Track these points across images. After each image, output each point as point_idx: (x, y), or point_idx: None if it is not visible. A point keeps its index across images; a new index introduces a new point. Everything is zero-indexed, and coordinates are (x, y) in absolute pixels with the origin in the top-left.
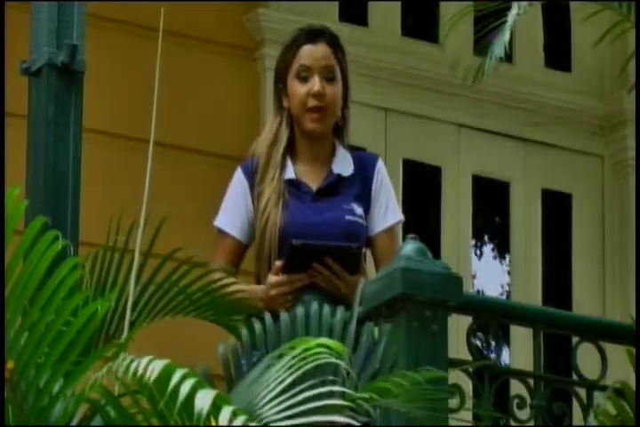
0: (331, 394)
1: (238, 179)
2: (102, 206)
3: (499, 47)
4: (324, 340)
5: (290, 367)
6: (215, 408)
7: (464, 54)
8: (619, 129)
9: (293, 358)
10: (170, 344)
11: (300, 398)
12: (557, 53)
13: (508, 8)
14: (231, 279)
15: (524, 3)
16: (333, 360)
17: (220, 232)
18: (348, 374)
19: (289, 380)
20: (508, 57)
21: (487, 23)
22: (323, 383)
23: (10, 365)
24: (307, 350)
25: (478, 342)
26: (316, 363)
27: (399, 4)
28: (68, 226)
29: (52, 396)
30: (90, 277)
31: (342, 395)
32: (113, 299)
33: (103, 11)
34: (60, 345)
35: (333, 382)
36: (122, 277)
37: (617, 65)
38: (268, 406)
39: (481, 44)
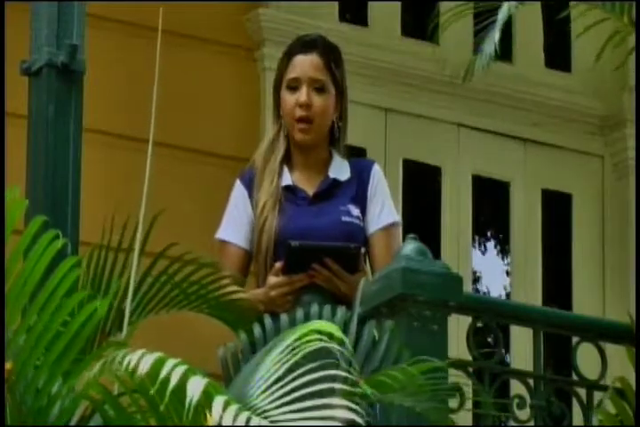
0: (330, 378)
1: (238, 190)
2: (102, 206)
3: (489, 46)
4: (317, 325)
5: (284, 356)
6: (207, 398)
7: (464, 54)
8: (619, 129)
9: (287, 346)
10: (171, 345)
11: (295, 383)
12: (557, 53)
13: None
14: (234, 287)
15: (513, 2)
16: (328, 345)
17: (225, 243)
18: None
19: (284, 368)
20: (508, 57)
21: (485, 23)
22: (319, 368)
23: (8, 365)
24: (300, 338)
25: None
26: (310, 349)
27: (399, 4)
28: (68, 226)
29: (50, 396)
30: (87, 276)
31: (344, 380)
32: (111, 299)
33: (103, 11)
34: (58, 345)
35: (333, 365)
36: (120, 276)
37: (617, 65)
38: (262, 396)
39: (474, 43)
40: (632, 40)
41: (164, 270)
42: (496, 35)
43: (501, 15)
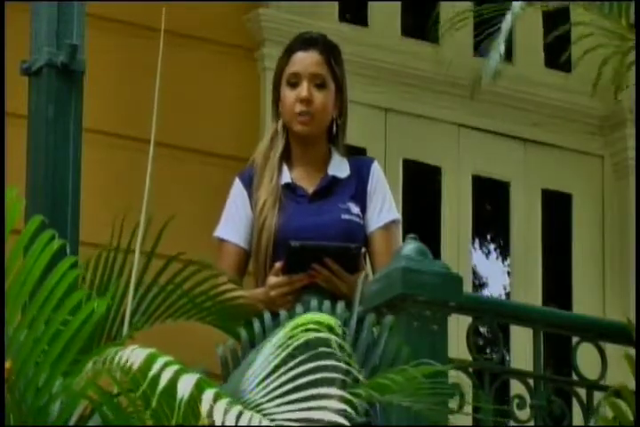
0: (325, 368)
1: (237, 188)
2: (102, 206)
3: (493, 60)
4: (310, 315)
5: (278, 348)
6: (200, 394)
7: (464, 55)
8: (619, 129)
9: (281, 338)
10: (171, 344)
11: (289, 375)
12: (557, 53)
13: (508, 8)
14: (232, 286)
15: (516, 9)
16: (324, 335)
17: (223, 242)
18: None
19: (277, 360)
20: (508, 57)
21: (487, 25)
22: (313, 358)
23: (8, 364)
24: (294, 328)
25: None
26: (303, 340)
27: (399, 4)
28: (68, 226)
29: (50, 395)
30: (91, 279)
31: (337, 368)
32: (112, 298)
33: (103, 11)
34: (58, 344)
35: (327, 354)
36: (123, 277)
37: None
38: (256, 389)
39: (479, 51)
40: (631, 51)
41: (171, 279)
42: (501, 46)
43: (505, 25)
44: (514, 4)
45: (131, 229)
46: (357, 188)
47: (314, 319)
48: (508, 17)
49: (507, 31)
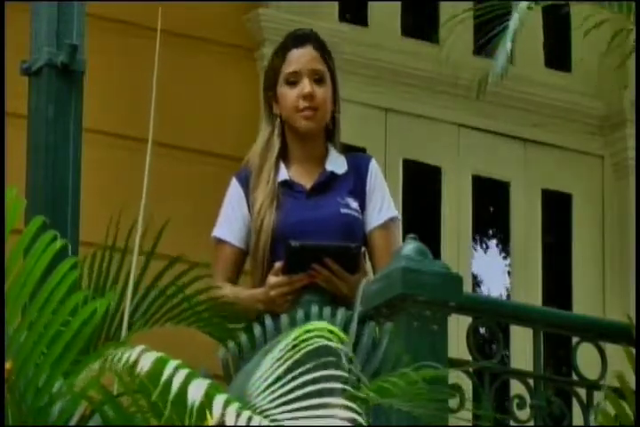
0: (330, 378)
1: (234, 188)
2: (102, 206)
3: (500, 63)
4: (314, 324)
5: (284, 354)
6: (209, 399)
7: (464, 54)
8: (619, 129)
9: (287, 345)
10: (171, 344)
11: (295, 383)
12: (557, 53)
13: (509, 8)
14: (228, 289)
15: (523, 9)
16: (327, 343)
17: (220, 242)
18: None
19: (283, 367)
20: (508, 57)
21: (488, 25)
22: (319, 367)
23: (8, 365)
24: (300, 336)
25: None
26: (309, 348)
27: (399, 4)
28: (68, 226)
29: (51, 395)
30: (89, 278)
31: (342, 379)
32: (112, 298)
33: (103, 11)
34: (58, 344)
35: (333, 364)
36: (121, 277)
37: (618, 65)
38: (263, 395)
39: (483, 51)
40: (631, 38)
41: (169, 284)
42: (508, 45)
43: (512, 24)
44: (520, 4)
45: (129, 228)
46: (356, 184)
47: (321, 327)
48: (515, 16)
49: (514, 30)
